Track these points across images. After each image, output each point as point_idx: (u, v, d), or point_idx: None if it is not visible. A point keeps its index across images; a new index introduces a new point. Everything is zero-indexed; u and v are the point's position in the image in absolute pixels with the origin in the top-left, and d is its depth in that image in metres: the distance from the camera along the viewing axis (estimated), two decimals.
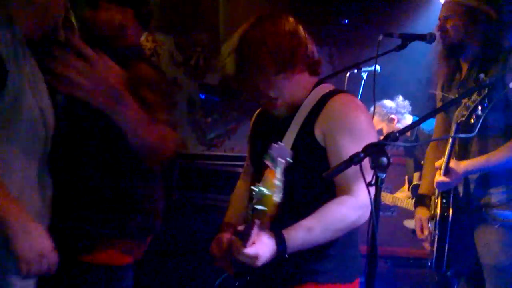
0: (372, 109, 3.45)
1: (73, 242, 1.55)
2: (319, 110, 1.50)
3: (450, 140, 1.93)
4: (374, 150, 1.42)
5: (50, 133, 1.47)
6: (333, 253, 1.51)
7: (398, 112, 3.46)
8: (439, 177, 1.97)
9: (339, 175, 1.36)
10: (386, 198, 3.40)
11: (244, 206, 1.70)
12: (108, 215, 1.58)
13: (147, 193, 1.70)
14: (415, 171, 3.48)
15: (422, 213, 2.17)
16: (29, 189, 1.40)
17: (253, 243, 1.33)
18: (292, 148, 1.45)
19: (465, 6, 2.00)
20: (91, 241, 1.56)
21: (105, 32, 1.65)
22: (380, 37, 2.22)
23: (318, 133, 1.48)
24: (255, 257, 1.34)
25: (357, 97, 3.02)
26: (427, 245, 2.13)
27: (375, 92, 2.50)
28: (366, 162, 1.32)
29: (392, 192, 3.51)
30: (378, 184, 1.44)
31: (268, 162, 1.29)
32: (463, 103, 1.78)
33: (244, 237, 1.34)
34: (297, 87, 1.54)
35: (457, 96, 2.03)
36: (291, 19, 1.60)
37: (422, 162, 3.21)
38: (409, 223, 3.42)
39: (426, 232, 2.12)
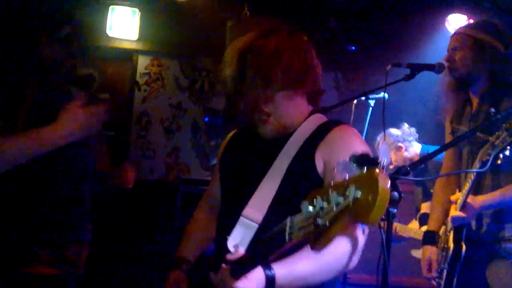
0: (380, 136, 3.44)
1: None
2: (320, 137, 1.42)
3: (473, 177, 1.88)
4: None
5: None
6: None
7: (405, 140, 3.41)
8: (456, 212, 1.93)
9: None
10: (396, 228, 3.33)
11: (203, 238, 1.60)
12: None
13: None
14: (424, 200, 3.41)
15: (430, 252, 2.14)
16: None
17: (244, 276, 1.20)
18: (287, 172, 1.37)
19: (474, 38, 2.00)
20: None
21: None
22: (389, 67, 2.21)
23: (318, 161, 1.39)
24: None
25: (365, 124, 3.04)
26: (434, 282, 2.09)
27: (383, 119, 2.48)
28: None
29: (399, 221, 3.44)
30: (390, 219, 1.40)
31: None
32: (490, 142, 1.74)
33: (240, 269, 1.21)
34: (294, 110, 1.46)
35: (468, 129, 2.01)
36: (305, 38, 1.53)
37: (431, 190, 3.15)
38: (417, 253, 3.35)
39: (434, 274, 2.08)
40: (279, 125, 1.45)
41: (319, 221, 0.98)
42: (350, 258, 1.33)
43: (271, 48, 1.41)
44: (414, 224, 3.41)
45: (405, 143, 3.41)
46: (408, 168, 1.40)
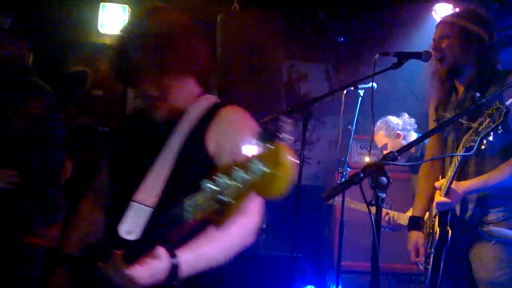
0: (380, 121, 3.44)
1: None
2: (210, 119, 1.41)
3: (456, 162, 1.93)
4: (374, 170, 1.43)
5: None
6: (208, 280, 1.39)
7: (404, 128, 3.45)
8: (440, 198, 1.98)
9: None
10: (394, 216, 3.35)
11: (89, 231, 1.54)
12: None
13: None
14: None
15: (417, 237, 2.18)
16: None
17: (141, 263, 1.17)
18: (178, 155, 1.36)
19: (460, 26, 2.03)
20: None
21: None
22: (376, 56, 2.24)
23: (209, 142, 1.39)
24: (135, 281, 1.16)
25: (355, 114, 3.09)
26: (421, 266, 2.13)
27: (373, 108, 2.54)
28: None
29: (394, 209, 3.49)
30: (379, 204, 1.45)
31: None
32: (473, 128, 1.78)
33: (135, 255, 1.17)
34: (184, 92, 1.45)
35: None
36: (191, 20, 1.49)
37: None
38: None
39: (421, 258, 2.13)
40: (169, 109, 1.44)
41: (223, 198, 1.01)
42: (250, 235, 1.35)
43: (154, 31, 1.37)
44: (411, 212, 3.46)
45: (404, 131, 3.44)
46: (396, 154, 1.44)
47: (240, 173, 0.98)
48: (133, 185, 1.35)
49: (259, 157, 0.96)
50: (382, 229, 3.34)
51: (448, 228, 1.99)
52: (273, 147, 0.96)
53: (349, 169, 3.16)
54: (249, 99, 4.45)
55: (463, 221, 2.01)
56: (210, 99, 1.49)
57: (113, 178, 1.52)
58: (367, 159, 3.63)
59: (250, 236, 1.35)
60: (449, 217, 2.00)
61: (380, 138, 3.47)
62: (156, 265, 1.18)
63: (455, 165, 1.93)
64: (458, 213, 2.02)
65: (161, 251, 1.19)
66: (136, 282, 1.16)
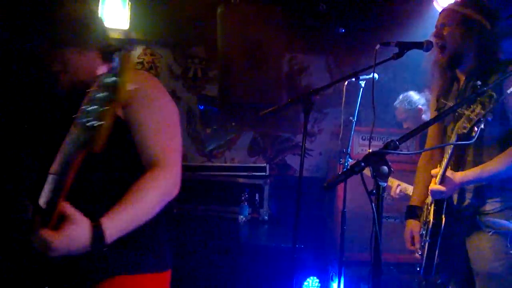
0: (403, 95, 3.41)
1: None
2: None
3: (450, 150, 1.93)
4: (375, 159, 1.43)
5: None
6: (140, 243, 1.44)
7: (425, 104, 3.45)
8: (434, 186, 1.98)
9: (147, 147, 1.37)
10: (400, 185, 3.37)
11: None
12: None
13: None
14: None
15: (412, 225, 2.19)
16: None
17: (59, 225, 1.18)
18: None
19: (462, 14, 2.02)
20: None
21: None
22: (377, 46, 2.24)
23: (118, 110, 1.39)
24: (52, 245, 1.17)
25: (357, 105, 3.08)
26: (417, 255, 2.14)
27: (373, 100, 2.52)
28: None
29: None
30: (380, 193, 1.45)
31: None
32: (465, 115, 1.78)
33: (47, 214, 1.18)
34: (86, 66, 1.46)
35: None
36: None
37: None
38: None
39: (417, 246, 2.14)
40: (72, 83, 1.44)
41: (90, 123, 1.08)
42: (172, 187, 1.38)
43: (46, 6, 1.39)
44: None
45: (425, 107, 3.44)
46: (397, 143, 1.44)
47: (98, 94, 1.08)
48: (50, 159, 1.34)
49: (106, 73, 1.08)
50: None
51: (443, 216, 1.99)
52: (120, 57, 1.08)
53: (350, 160, 3.16)
54: (250, 91, 4.44)
55: (460, 210, 2.01)
56: None
57: (33, 154, 1.55)
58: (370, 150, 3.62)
59: (172, 188, 1.38)
60: (444, 205, 2.00)
61: (400, 112, 3.47)
62: (73, 229, 1.20)
63: (448, 154, 1.93)
64: (455, 202, 2.02)
65: (77, 215, 1.21)
66: (55, 247, 1.18)
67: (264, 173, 4.00)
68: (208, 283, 2.90)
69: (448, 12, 2.09)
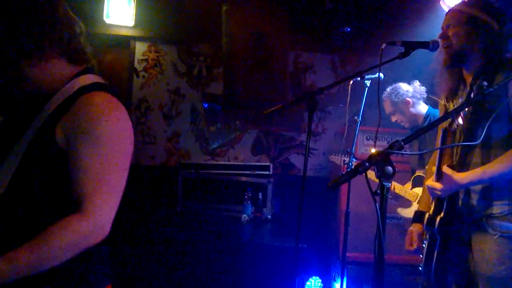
0: (390, 88, 3.39)
1: None
2: (67, 106, 1.30)
3: (440, 136, 1.95)
4: (379, 159, 1.41)
5: None
6: (58, 272, 1.29)
7: (413, 96, 3.37)
8: (430, 182, 1.99)
9: (75, 186, 1.25)
10: (395, 187, 3.37)
11: None
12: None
13: None
14: (419, 166, 3.44)
15: (415, 227, 2.19)
16: None
17: None
18: (30, 144, 1.28)
19: (468, 14, 2.00)
20: None
21: None
22: (383, 46, 2.21)
23: (59, 135, 1.29)
24: None
25: (361, 104, 3.06)
26: (420, 255, 2.14)
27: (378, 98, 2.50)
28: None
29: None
30: (384, 194, 1.44)
31: None
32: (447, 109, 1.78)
33: None
34: (50, 75, 1.35)
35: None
36: None
37: (425, 159, 3.19)
38: (402, 212, 3.40)
39: (414, 246, 2.15)
40: (34, 90, 1.36)
41: None
42: (87, 236, 1.26)
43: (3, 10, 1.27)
44: (408, 186, 3.46)
45: (413, 99, 3.37)
46: (402, 143, 1.43)
47: None
48: None
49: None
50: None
51: (440, 215, 1.98)
52: None
53: (355, 160, 3.14)
54: (254, 89, 4.43)
55: (466, 213, 1.99)
56: (80, 82, 1.37)
57: None
58: (373, 151, 3.61)
59: (90, 235, 1.27)
60: (444, 206, 2.00)
61: (388, 105, 3.42)
62: None
63: (438, 152, 1.94)
64: (460, 204, 2.00)
65: None
66: None
67: (267, 172, 3.99)
68: (210, 282, 2.89)
69: (453, 12, 2.07)
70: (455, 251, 2.03)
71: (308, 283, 4.01)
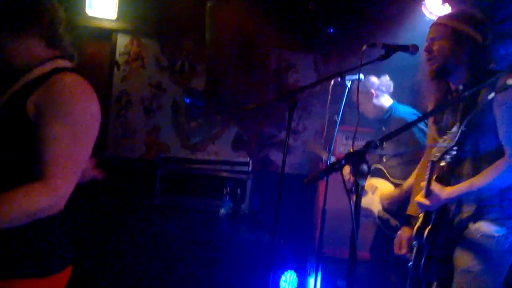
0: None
1: None
2: (40, 82, 1.40)
3: (429, 166, 1.99)
4: (355, 158, 1.46)
5: None
6: (21, 246, 1.39)
7: (378, 89, 3.44)
8: (420, 199, 2.04)
9: (39, 157, 1.32)
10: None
11: None
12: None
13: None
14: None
15: (404, 232, 2.25)
16: None
17: None
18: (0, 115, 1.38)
19: (452, 28, 2.02)
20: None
21: None
22: (364, 47, 2.25)
23: (30, 108, 1.37)
24: None
25: (341, 104, 3.11)
26: (409, 255, 2.20)
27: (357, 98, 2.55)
28: None
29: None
30: (359, 192, 1.49)
31: None
32: (439, 142, 1.84)
33: None
34: (26, 53, 1.44)
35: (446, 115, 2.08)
36: None
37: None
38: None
39: (403, 251, 2.21)
40: (8, 66, 1.43)
41: None
42: (43, 200, 1.32)
43: None
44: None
45: (378, 91, 3.44)
46: (378, 143, 1.47)
47: None
48: None
49: None
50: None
51: (429, 227, 2.03)
52: None
53: (333, 159, 3.19)
54: (236, 85, 4.45)
55: (457, 221, 2.03)
56: (55, 64, 1.46)
57: None
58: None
59: (47, 203, 1.33)
60: (433, 216, 2.05)
61: (354, 93, 3.46)
62: None
63: (429, 167, 1.98)
64: (451, 214, 2.03)
65: None
66: None
67: (247, 168, 4.02)
68: (186, 275, 2.91)
69: (437, 26, 2.10)
70: (440, 255, 2.07)
71: (283, 277, 4.06)
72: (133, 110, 4.40)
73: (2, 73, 1.45)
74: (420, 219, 2.12)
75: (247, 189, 3.89)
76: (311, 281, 3.93)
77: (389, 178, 3.35)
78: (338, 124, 3.11)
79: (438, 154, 1.93)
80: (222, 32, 3.87)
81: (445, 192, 1.98)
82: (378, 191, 3.32)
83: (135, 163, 4.36)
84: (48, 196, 1.33)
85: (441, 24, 2.09)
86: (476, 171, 1.96)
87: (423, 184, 2.04)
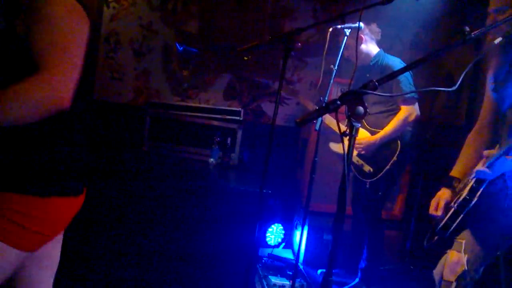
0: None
1: None
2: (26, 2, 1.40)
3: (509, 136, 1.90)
4: (351, 98, 1.36)
5: None
6: (23, 159, 1.40)
7: (367, 34, 3.41)
8: (482, 167, 1.94)
9: (35, 57, 1.33)
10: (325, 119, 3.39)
11: None
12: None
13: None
14: None
15: (443, 193, 2.17)
16: None
17: None
18: None
19: None
20: None
21: None
22: None
23: (19, 27, 1.39)
24: None
25: (339, 53, 2.99)
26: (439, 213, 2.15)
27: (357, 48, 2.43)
28: None
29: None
30: (353, 134, 1.40)
31: None
32: None
33: None
34: None
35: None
36: None
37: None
38: (334, 146, 3.46)
39: (439, 213, 2.13)
40: None
41: None
42: (40, 89, 1.31)
43: None
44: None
45: (366, 36, 3.40)
46: (376, 84, 1.37)
47: None
48: None
49: None
50: None
51: (477, 194, 1.97)
52: None
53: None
54: (231, 30, 4.27)
55: (505, 200, 1.97)
56: None
57: None
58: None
59: (51, 91, 1.32)
60: (484, 186, 1.97)
61: (349, 43, 3.37)
62: None
63: (507, 144, 1.87)
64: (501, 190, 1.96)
65: None
66: None
67: (238, 118, 3.92)
68: (173, 221, 2.87)
69: None
70: (478, 228, 2.04)
71: (270, 229, 4.07)
72: (122, 52, 4.22)
73: None
74: (468, 188, 2.03)
75: (237, 139, 3.81)
76: (297, 234, 3.94)
77: (366, 125, 3.39)
78: (334, 74, 3.00)
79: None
80: None
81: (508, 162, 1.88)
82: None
83: (123, 109, 4.23)
84: (44, 83, 1.31)
85: None
86: None
87: (489, 153, 1.94)
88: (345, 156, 1.38)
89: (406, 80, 3.18)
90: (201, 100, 4.37)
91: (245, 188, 3.02)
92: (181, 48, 4.26)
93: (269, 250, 3.88)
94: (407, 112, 3.26)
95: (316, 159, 3.05)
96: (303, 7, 4.40)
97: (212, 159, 3.65)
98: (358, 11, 2.28)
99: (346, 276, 3.55)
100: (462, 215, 2.02)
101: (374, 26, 3.43)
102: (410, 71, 3.16)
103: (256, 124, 4.40)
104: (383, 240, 3.48)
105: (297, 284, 3.19)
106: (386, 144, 3.32)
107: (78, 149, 1.52)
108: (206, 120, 3.86)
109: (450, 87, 1.44)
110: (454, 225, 2.03)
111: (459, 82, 1.37)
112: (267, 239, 4.06)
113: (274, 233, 4.10)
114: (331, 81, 2.97)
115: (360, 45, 3.37)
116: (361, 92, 1.36)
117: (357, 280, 3.46)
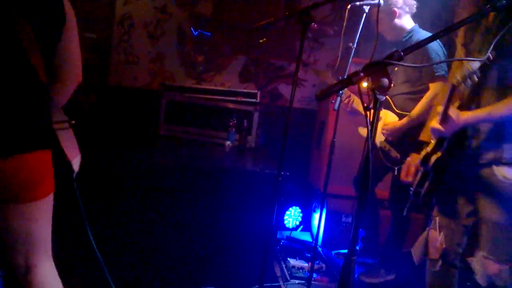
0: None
1: None
2: None
3: (448, 89, 1.84)
4: (375, 70, 1.30)
5: None
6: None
7: (401, 8, 3.16)
8: (435, 124, 1.91)
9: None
10: (354, 101, 3.30)
11: None
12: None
13: None
14: None
15: (413, 158, 2.15)
16: None
17: None
18: None
19: None
20: None
21: None
22: None
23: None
24: None
25: (358, 32, 2.90)
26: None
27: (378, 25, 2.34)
28: None
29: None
30: (377, 108, 1.34)
31: None
32: (464, 66, 1.69)
33: None
34: None
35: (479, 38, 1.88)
36: None
37: None
38: (363, 131, 3.34)
39: (410, 178, 2.12)
40: None
41: None
42: None
43: None
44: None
45: (401, 10, 3.16)
46: (402, 54, 1.31)
47: None
48: None
49: None
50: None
51: (438, 153, 1.94)
52: None
53: (345, 89, 3.03)
54: (246, 10, 4.20)
55: (471, 154, 1.91)
56: None
57: None
58: (364, 84, 3.47)
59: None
60: (445, 144, 1.94)
61: (374, 11, 3.22)
62: None
63: (448, 90, 1.84)
64: (465, 144, 1.92)
65: None
66: None
67: (254, 100, 3.87)
68: (190, 205, 2.85)
69: None
70: (452, 186, 2.00)
71: (287, 212, 4.04)
72: (137, 35, 4.19)
73: None
74: (431, 146, 2.01)
75: (254, 122, 3.76)
76: (315, 216, 3.90)
77: (394, 108, 3.20)
78: (353, 52, 2.92)
79: (460, 78, 1.77)
80: None
81: (462, 117, 1.85)
82: (381, 122, 3.16)
83: (139, 93, 4.21)
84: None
85: None
86: (498, 100, 1.81)
87: (440, 108, 1.90)
88: (369, 130, 1.32)
89: (438, 58, 2.96)
90: (217, 83, 4.32)
91: (262, 171, 2.99)
92: (196, 32, 4.21)
93: (287, 233, 3.86)
94: (436, 89, 3.00)
95: (334, 140, 3.00)
96: None
97: (228, 142, 3.62)
98: None
99: (364, 256, 3.52)
100: (430, 178, 1.98)
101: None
102: (444, 51, 3.01)
103: (272, 106, 4.34)
104: (408, 225, 3.40)
105: (316, 266, 3.16)
106: (416, 127, 3.17)
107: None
108: (222, 103, 3.82)
109: None
110: (423, 190, 2.01)
111: (489, 51, 1.31)
112: (285, 221, 4.04)
113: (292, 216, 4.07)
114: (350, 59, 2.89)
115: (394, 19, 3.16)
116: (386, 63, 1.30)
117: (376, 262, 3.42)
